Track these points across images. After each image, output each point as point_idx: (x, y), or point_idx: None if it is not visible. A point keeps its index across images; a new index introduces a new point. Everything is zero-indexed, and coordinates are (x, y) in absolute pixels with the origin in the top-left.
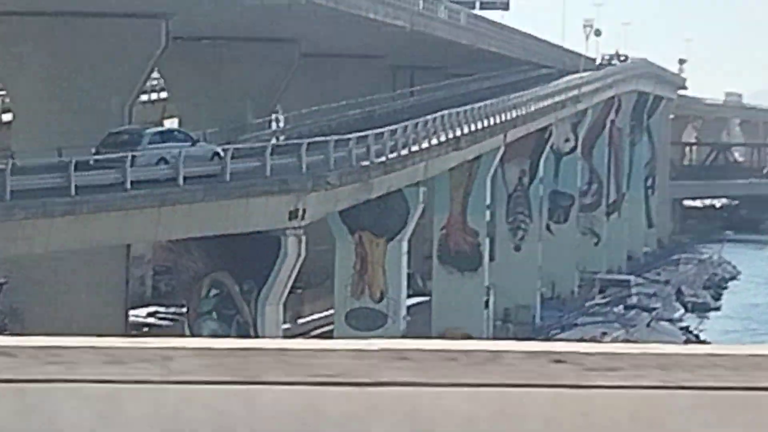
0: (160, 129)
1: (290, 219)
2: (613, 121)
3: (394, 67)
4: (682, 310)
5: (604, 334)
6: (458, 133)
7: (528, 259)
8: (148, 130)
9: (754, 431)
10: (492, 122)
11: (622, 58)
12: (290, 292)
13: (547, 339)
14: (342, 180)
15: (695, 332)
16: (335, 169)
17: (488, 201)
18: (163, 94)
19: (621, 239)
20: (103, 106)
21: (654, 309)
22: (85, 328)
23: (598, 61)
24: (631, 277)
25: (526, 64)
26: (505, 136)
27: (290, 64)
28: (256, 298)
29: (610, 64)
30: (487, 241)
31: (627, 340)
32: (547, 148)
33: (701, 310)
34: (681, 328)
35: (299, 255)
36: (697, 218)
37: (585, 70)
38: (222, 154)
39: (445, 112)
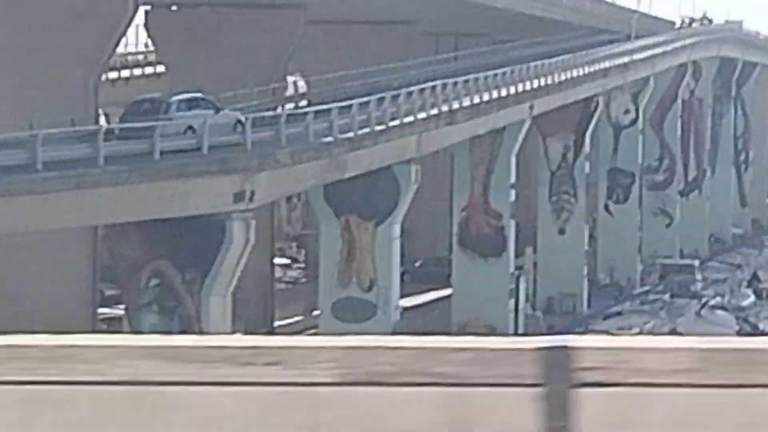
0: (186, 96)
1: (236, 201)
2: (692, 91)
3: (437, 35)
4: (752, 298)
5: (646, 323)
6: (455, 105)
7: (573, 242)
8: (174, 98)
9: None
10: (509, 92)
11: (704, 21)
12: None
13: (585, 331)
14: (296, 158)
15: (755, 322)
16: (287, 146)
17: (512, 179)
18: (160, 69)
19: (701, 220)
20: (67, 80)
21: (703, 296)
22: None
23: (677, 24)
24: (696, 262)
25: (584, 29)
26: (531, 107)
27: (294, 32)
28: (200, 288)
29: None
30: (513, 223)
31: (673, 331)
32: (594, 120)
33: None
34: (742, 319)
35: (247, 241)
36: None
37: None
38: (244, 121)
39: (438, 82)
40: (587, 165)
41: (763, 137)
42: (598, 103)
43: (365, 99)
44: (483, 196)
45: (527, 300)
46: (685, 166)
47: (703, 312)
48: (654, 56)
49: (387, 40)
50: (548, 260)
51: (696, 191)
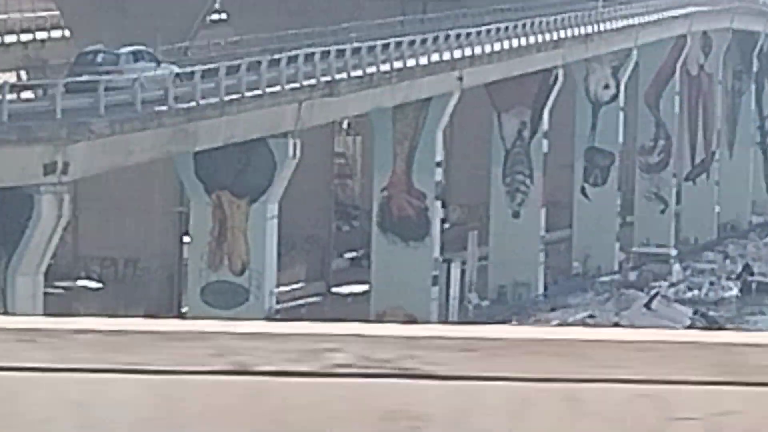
0: (132, 49)
1: (46, 174)
2: (702, 66)
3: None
4: (735, 291)
5: (591, 317)
6: (350, 74)
7: (528, 227)
8: (123, 49)
9: None
10: (430, 60)
11: None
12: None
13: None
14: (116, 128)
15: (715, 317)
16: (106, 116)
17: (439, 157)
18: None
19: (709, 206)
20: None
21: (654, 288)
22: None
23: None
24: (673, 251)
25: None
26: (461, 78)
27: None
28: (6, 267)
29: None
30: (438, 204)
31: (615, 324)
32: (553, 94)
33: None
34: (701, 313)
35: (60, 216)
36: None
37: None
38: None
39: (318, 50)
40: (545, 143)
41: None
42: (557, 76)
43: (235, 63)
44: (406, 175)
45: (470, 289)
46: (693, 148)
47: (653, 304)
48: (631, 26)
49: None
50: (502, 246)
51: (704, 175)
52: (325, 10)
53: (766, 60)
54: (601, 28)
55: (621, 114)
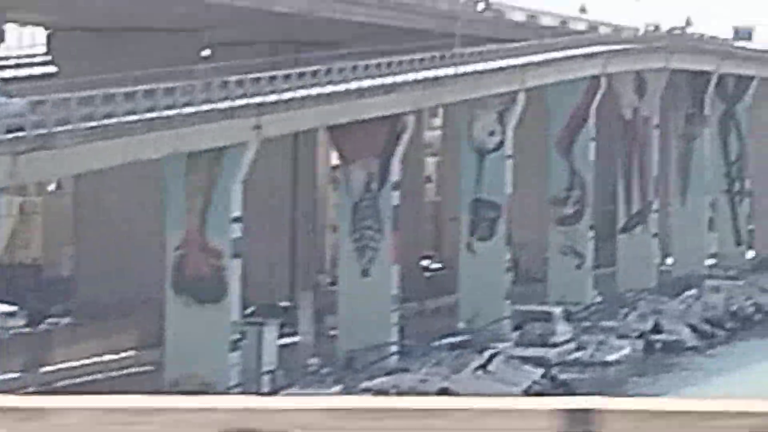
0: None
1: None
2: (636, 109)
3: (275, 44)
4: (626, 351)
5: (423, 381)
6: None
7: (380, 285)
8: None
9: None
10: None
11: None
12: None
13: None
14: None
15: (560, 379)
16: None
17: (236, 212)
18: None
19: (646, 259)
20: None
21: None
22: None
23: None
24: (557, 309)
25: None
26: (259, 128)
27: None
28: None
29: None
30: (235, 263)
31: (442, 390)
32: (402, 143)
33: (673, 350)
34: (550, 376)
35: None
36: None
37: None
38: None
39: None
40: (396, 195)
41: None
42: (405, 123)
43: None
44: (200, 232)
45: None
46: (628, 197)
47: (492, 366)
48: (515, 67)
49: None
50: (351, 307)
51: (640, 227)
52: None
53: (730, 103)
54: (458, 71)
55: (508, 162)
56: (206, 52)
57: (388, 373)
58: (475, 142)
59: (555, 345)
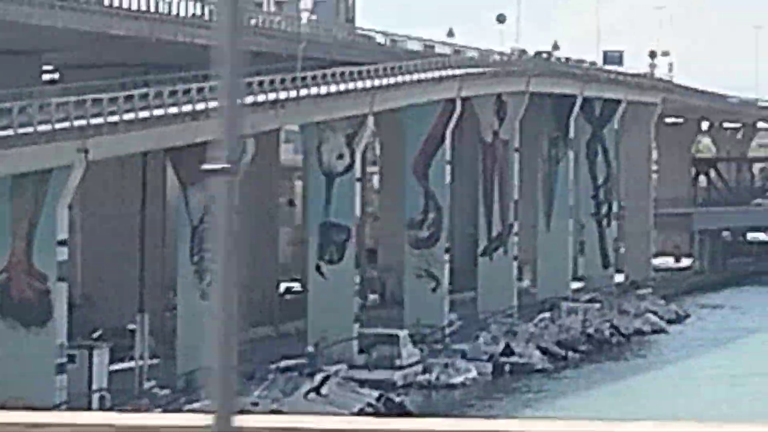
0: None
1: None
2: (496, 133)
3: (124, 67)
4: (473, 373)
5: (256, 405)
6: None
7: None
8: None
9: None
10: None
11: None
12: None
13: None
14: None
15: (401, 401)
16: None
17: (62, 235)
18: None
19: (507, 283)
20: None
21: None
22: None
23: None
24: (402, 332)
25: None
26: (86, 152)
27: None
28: None
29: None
30: (60, 286)
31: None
32: (242, 165)
33: (521, 372)
34: (386, 398)
35: None
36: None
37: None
38: None
39: None
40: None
41: (640, 185)
42: (244, 144)
43: None
44: (26, 255)
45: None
46: (489, 221)
47: (324, 389)
48: (365, 90)
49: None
50: (189, 331)
51: (501, 250)
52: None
53: (597, 126)
54: (291, 95)
55: (358, 185)
56: (56, 75)
57: None
58: (324, 165)
59: (400, 367)
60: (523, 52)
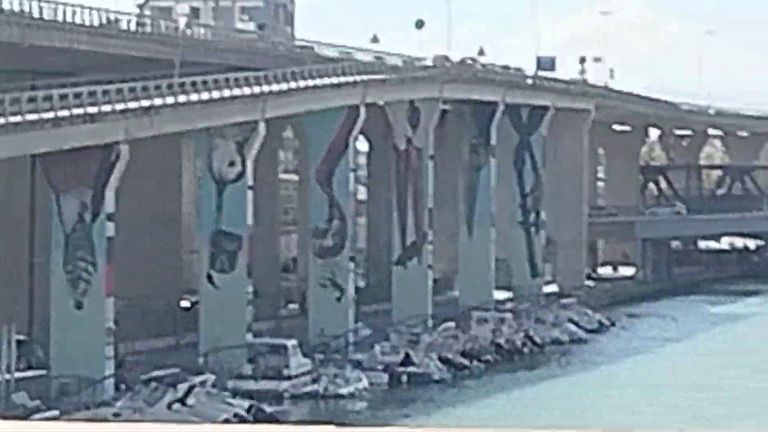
0: None
1: None
2: (409, 140)
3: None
4: (363, 383)
5: (118, 415)
6: None
7: (93, 318)
8: None
9: None
10: None
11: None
12: None
13: None
14: None
15: (270, 411)
16: None
17: None
18: None
19: (422, 291)
20: None
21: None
22: None
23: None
24: (290, 342)
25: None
26: None
27: None
28: None
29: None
30: None
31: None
32: (116, 171)
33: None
34: (257, 407)
35: None
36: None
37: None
38: None
39: None
40: (111, 226)
41: (572, 194)
42: (119, 152)
43: None
44: None
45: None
46: (403, 230)
47: (190, 399)
48: (256, 96)
49: None
50: (64, 339)
51: (414, 259)
52: None
53: (524, 133)
54: (168, 101)
55: (249, 193)
56: None
57: (97, 406)
58: (215, 173)
59: (288, 377)
60: (446, 58)
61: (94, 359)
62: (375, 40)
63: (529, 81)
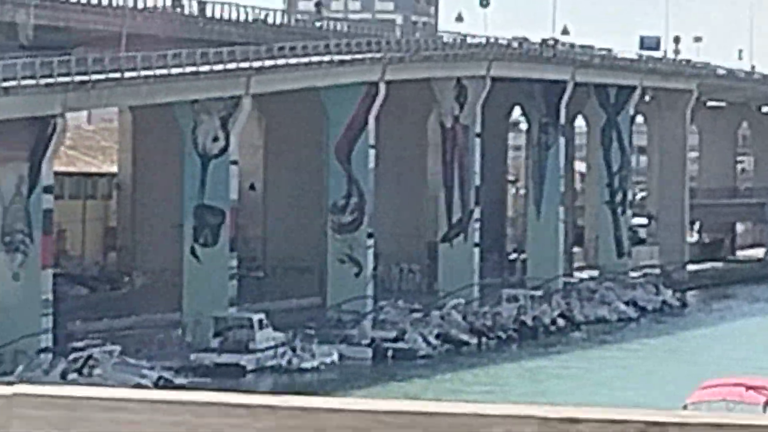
0: None
1: None
2: (456, 117)
3: None
4: (333, 356)
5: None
6: None
7: (29, 290)
8: None
9: None
10: None
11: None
12: None
13: None
14: None
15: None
16: None
17: None
18: None
19: (468, 269)
20: None
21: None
22: None
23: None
24: (257, 316)
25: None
26: None
27: None
28: None
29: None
30: None
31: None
32: (52, 144)
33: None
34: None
35: None
36: None
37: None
38: None
39: None
40: (49, 198)
41: (672, 176)
42: (56, 124)
43: None
44: None
45: None
46: (449, 207)
47: (98, 369)
48: (242, 71)
49: None
50: (1, 311)
51: (461, 236)
52: None
53: (612, 112)
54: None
55: (233, 168)
56: None
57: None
58: (200, 148)
59: (253, 351)
60: (525, 39)
61: (29, 330)
62: (459, 18)
63: (600, 61)
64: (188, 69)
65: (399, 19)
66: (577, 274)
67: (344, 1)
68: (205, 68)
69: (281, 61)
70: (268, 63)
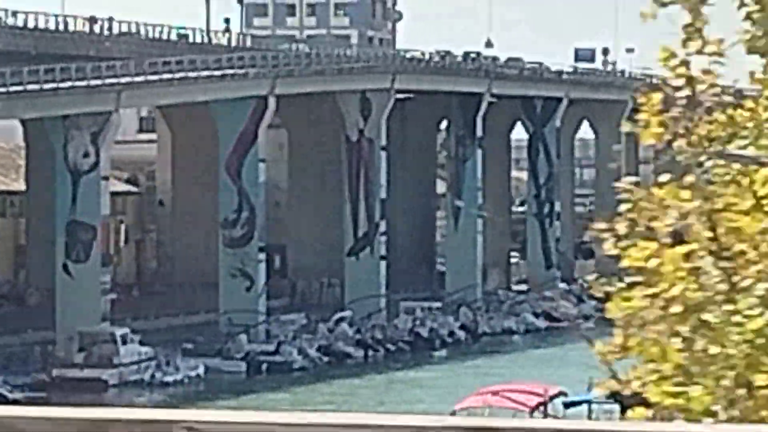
0: None
1: None
2: (361, 131)
3: None
4: (198, 370)
5: None
6: None
7: None
8: None
9: None
10: None
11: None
12: None
13: None
14: None
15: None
16: None
17: None
18: None
19: (374, 283)
20: None
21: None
22: None
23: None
24: (121, 330)
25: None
26: None
27: None
28: None
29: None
30: None
31: None
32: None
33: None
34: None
35: None
36: None
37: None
38: None
39: None
40: None
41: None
42: None
43: None
44: None
45: None
46: (354, 220)
47: None
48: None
49: None
50: None
51: (367, 249)
52: None
53: (538, 124)
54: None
55: (103, 184)
56: None
57: None
58: (70, 163)
59: (116, 366)
60: (447, 53)
61: None
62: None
63: (517, 73)
64: (61, 84)
65: (354, 36)
66: (515, 287)
67: (299, 18)
68: (82, 83)
69: (153, 77)
70: (138, 79)
